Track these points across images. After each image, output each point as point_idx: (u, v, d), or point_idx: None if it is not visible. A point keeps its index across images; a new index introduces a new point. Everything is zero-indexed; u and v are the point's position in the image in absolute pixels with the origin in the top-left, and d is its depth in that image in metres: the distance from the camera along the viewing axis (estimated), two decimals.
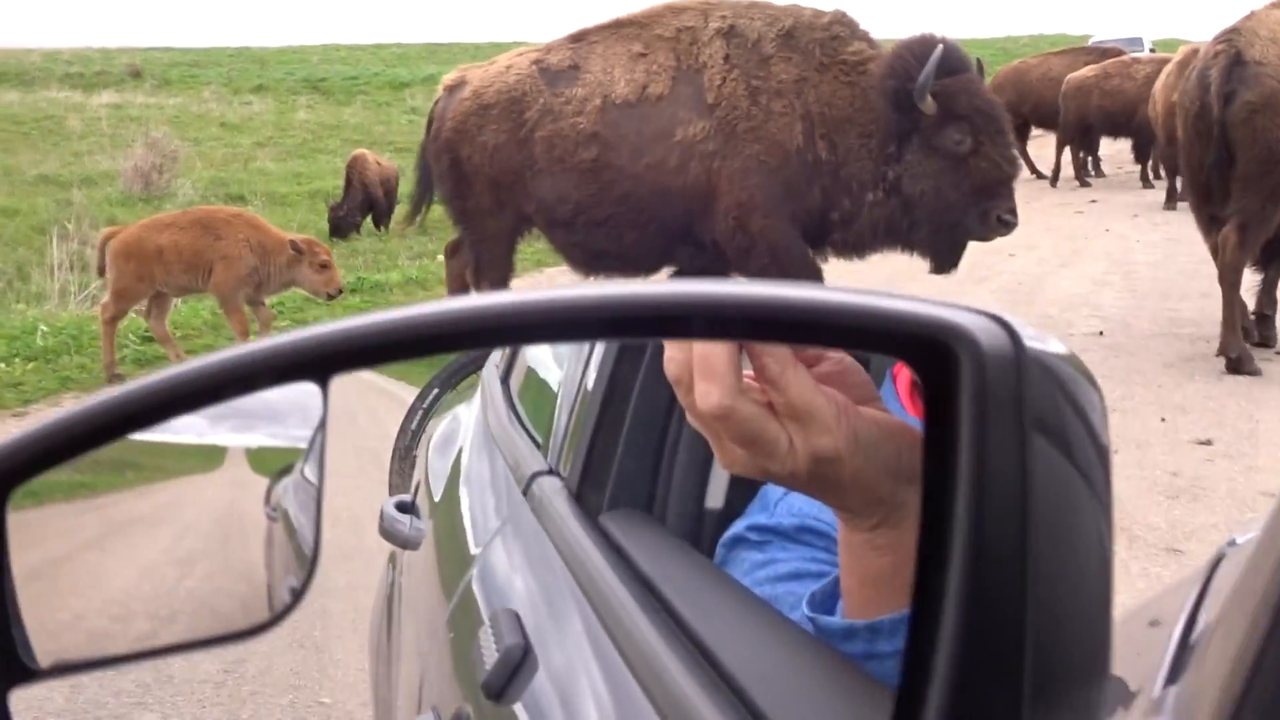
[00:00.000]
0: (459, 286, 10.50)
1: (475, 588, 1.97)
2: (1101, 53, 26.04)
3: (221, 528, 1.50)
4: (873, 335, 1.06)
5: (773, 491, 1.70)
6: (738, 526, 1.74)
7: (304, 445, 1.40)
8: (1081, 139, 24.35)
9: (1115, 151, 25.79)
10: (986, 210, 9.21)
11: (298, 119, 41.50)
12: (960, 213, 9.22)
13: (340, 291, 11.16)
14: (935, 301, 1.02)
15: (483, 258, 10.14)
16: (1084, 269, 14.73)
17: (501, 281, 10.07)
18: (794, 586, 1.61)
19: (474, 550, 2.04)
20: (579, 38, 9.98)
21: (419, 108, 47.09)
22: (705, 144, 9.43)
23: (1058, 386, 1.00)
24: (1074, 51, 27.65)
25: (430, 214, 22.31)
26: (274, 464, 1.57)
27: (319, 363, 1.14)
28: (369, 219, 21.13)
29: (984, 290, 13.05)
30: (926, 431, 1.03)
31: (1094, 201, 21.80)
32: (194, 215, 11.28)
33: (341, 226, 19.94)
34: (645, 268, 9.99)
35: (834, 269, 10.03)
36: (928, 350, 1.00)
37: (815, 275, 9.63)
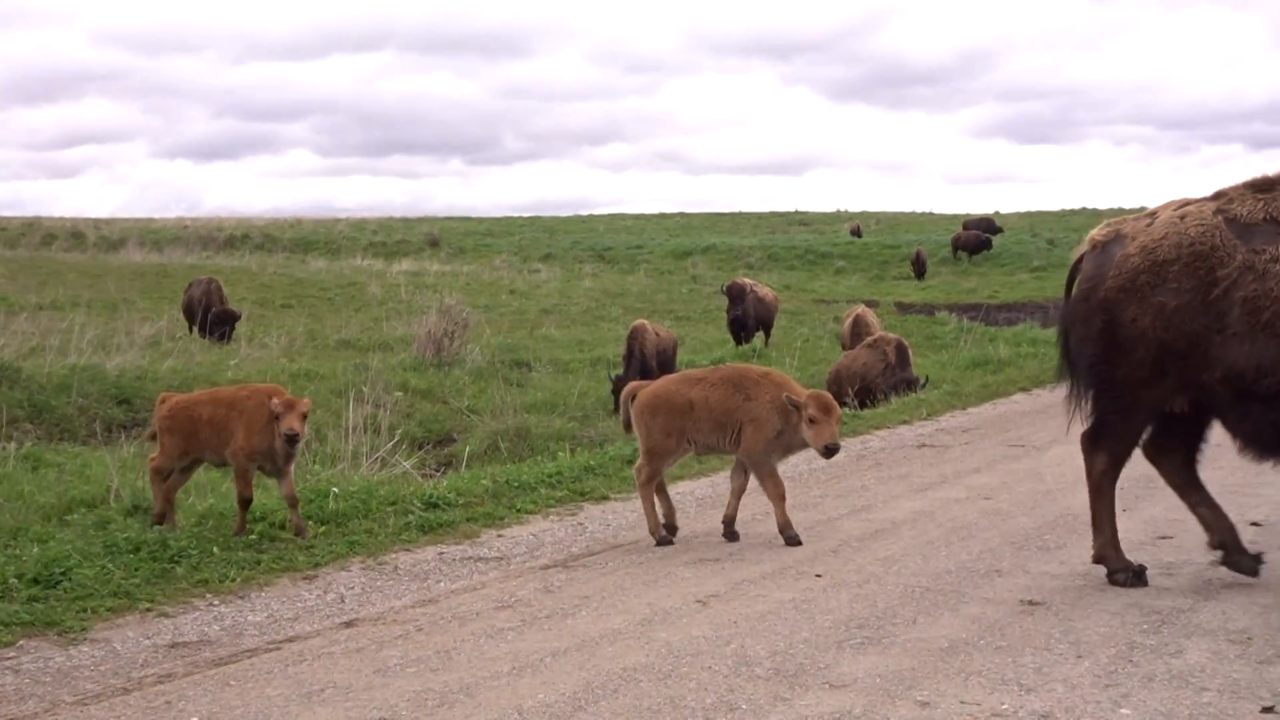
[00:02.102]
0: (1106, 484, 9.34)
1: None
2: None
3: None
4: None
5: None
6: None
7: None
8: None
9: None
10: None
11: (583, 287, 42.80)
12: None
13: (831, 450, 10.36)
14: None
15: (1115, 428, 9.16)
16: None
17: (1123, 457, 9.25)
18: None
19: None
20: (1265, 187, 8.76)
21: (700, 275, 48.07)
22: None
23: None
24: None
25: None
26: None
27: None
28: None
29: None
30: None
31: None
32: (723, 373, 11.15)
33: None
34: None
35: None
36: None
37: None
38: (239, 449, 10.53)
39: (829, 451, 10.48)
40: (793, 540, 10.54)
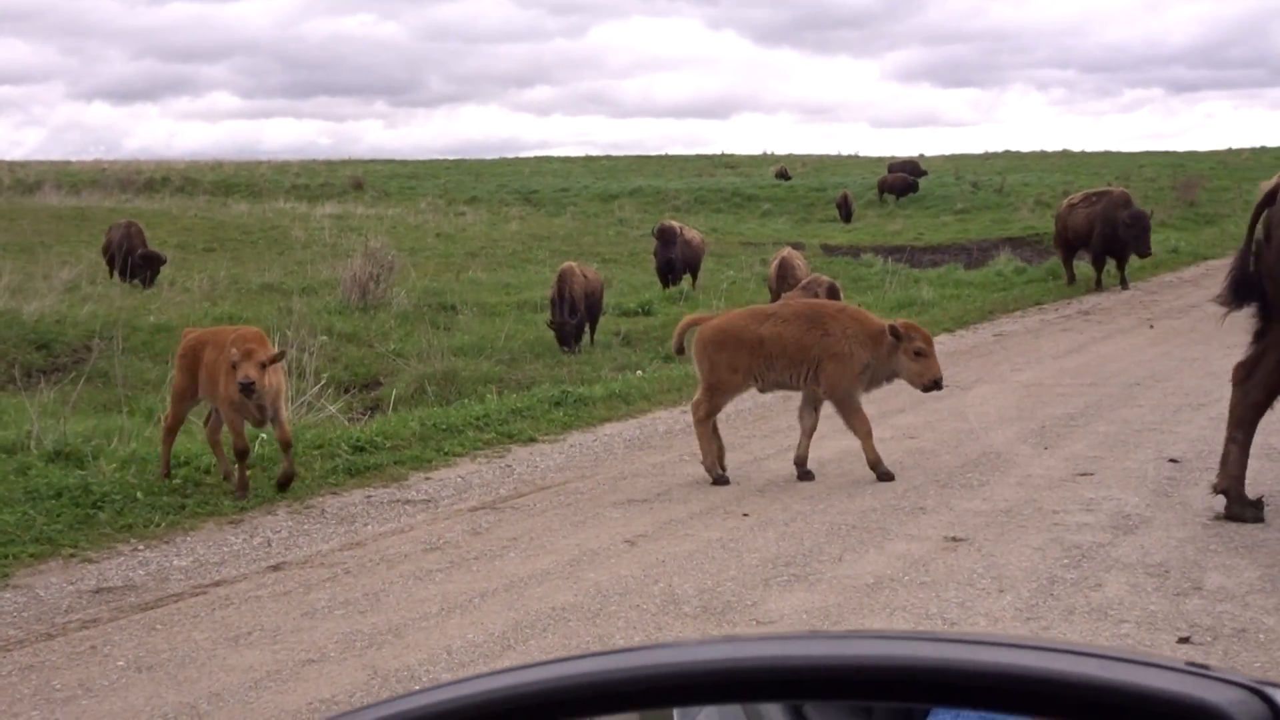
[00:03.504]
0: (1250, 414, 9.00)
1: None
2: None
3: None
4: (1117, 712, 0.98)
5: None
6: None
7: None
8: None
9: None
10: None
11: (509, 230, 42.50)
12: None
13: (938, 383, 10.41)
14: (1188, 668, 0.95)
15: None
16: None
17: None
18: None
19: None
20: None
21: (626, 219, 47.93)
22: None
23: None
24: None
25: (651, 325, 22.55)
26: None
27: (541, 710, 1.10)
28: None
29: (1202, 417, 12.55)
30: None
31: None
32: (795, 308, 10.85)
33: (566, 337, 20.21)
34: None
35: None
36: None
37: None
38: (223, 397, 10.17)
39: (936, 385, 10.43)
40: (885, 476, 10.39)
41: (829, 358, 10.34)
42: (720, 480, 10.54)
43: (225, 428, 10.52)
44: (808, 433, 10.69)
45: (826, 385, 10.43)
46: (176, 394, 10.74)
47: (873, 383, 10.57)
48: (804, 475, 10.64)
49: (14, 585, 8.04)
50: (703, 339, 10.68)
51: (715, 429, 10.79)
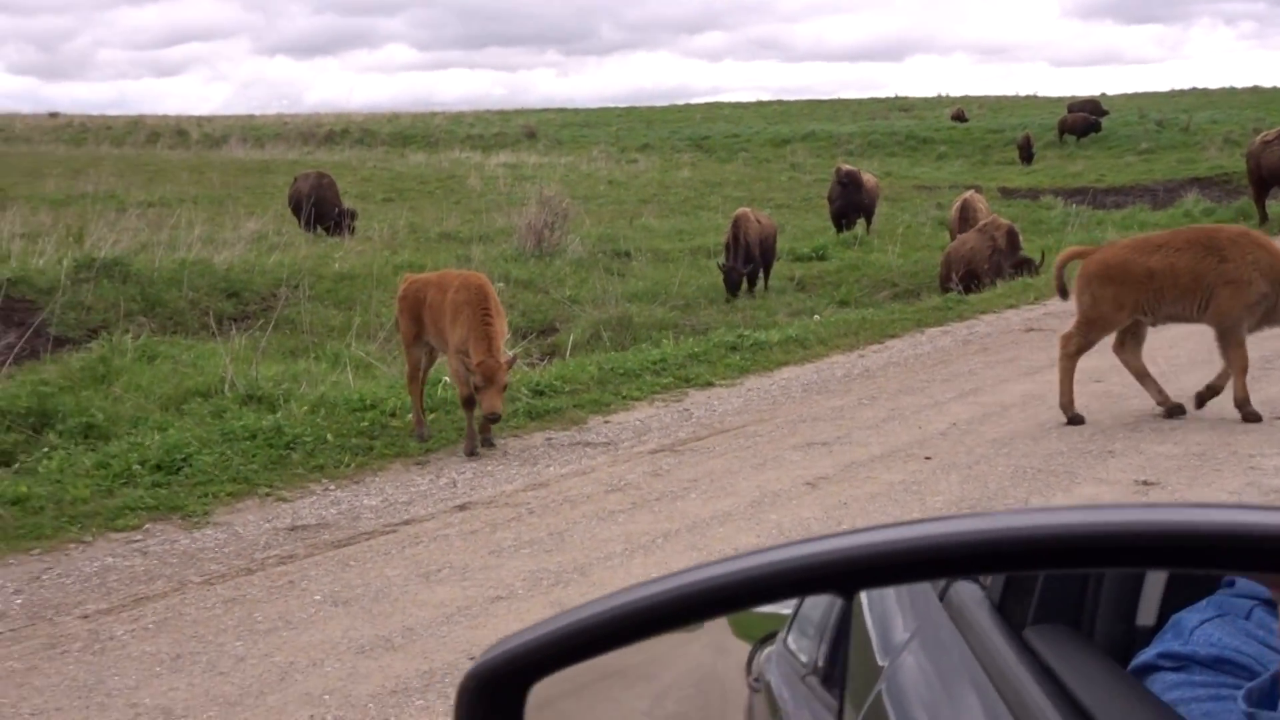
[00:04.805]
0: None
1: (886, 701, 1.87)
2: None
3: (703, 693, 1.46)
4: None
5: (1187, 619, 1.67)
6: (1147, 654, 1.70)
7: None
8: None
9: None
10: None
11: (681, 176, 42.46)
12: None
13: None
14: None
15: None
16: None
17: None
18: (1215, 707, 1.56)
19: (881, 661, 1.95)
20: None
21: (799, 164, 47.56)
22: None
23: None
24: None
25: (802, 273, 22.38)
26: (757, 629, 1.51)
27: (842, 578, 1.11)
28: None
29: None
30: None
31: None
32: (1188, 235, 10.39)
33: (734, 283, 20.22)
34: None
35: None
36: None
37: None
38: (451, 347, 10.07)
39: None
40: (1251, 416, 9.97)
41: (1224, 284, 9.83)
42: (1075, 420, 10.20)
43: (418, 372, 10.67)
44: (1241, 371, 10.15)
45: (1215, 312, 9.90)
46: (406, 341, 10.85)
47: (1269, 320, 9.99)
48: (1249, 417, 10.06)
49: (214, 523, 8.35)
50: (1087, 272, 10.26)
51: (1146, 372, 10.39)
